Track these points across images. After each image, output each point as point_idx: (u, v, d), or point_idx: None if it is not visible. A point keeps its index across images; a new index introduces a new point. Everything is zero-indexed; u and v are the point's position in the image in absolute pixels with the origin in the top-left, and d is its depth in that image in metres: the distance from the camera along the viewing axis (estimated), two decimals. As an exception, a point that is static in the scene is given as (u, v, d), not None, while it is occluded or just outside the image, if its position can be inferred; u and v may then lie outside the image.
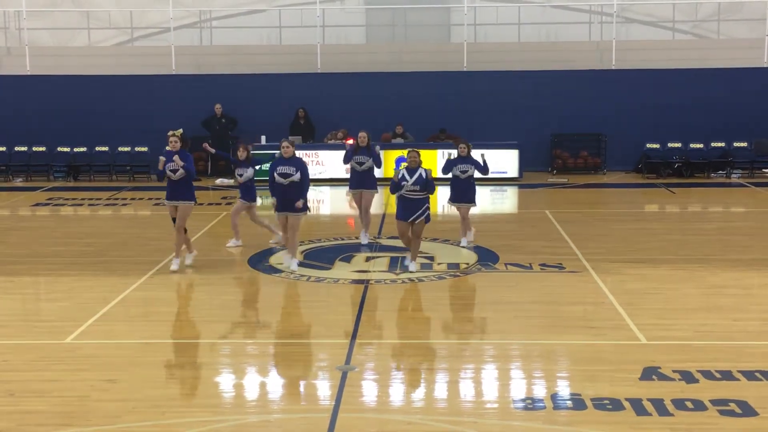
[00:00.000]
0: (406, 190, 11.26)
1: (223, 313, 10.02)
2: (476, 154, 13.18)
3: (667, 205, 17.78)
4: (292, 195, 11.29)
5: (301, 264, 11.81)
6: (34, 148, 21.52)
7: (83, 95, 21.58)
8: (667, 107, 21.22)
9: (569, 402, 7.13)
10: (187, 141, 11.71)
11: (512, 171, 20.36)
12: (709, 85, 21.20)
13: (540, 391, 7.41)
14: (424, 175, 11.23)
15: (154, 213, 16.63)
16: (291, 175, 11.24)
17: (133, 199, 18.33)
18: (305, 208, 11.44)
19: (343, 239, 13.70)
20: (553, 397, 7.24)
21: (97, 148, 21.50)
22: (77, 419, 6.84)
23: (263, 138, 20.15)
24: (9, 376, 7.84)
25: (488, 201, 18.07)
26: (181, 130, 11.65)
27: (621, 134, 21.23)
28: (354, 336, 8.91)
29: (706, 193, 19.15)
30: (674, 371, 7.72)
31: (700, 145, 21.18)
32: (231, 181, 18.44)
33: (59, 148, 21.53)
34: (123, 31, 24.33)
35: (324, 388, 7.58)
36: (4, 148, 21.50)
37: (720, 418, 6.78)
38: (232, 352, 8.65)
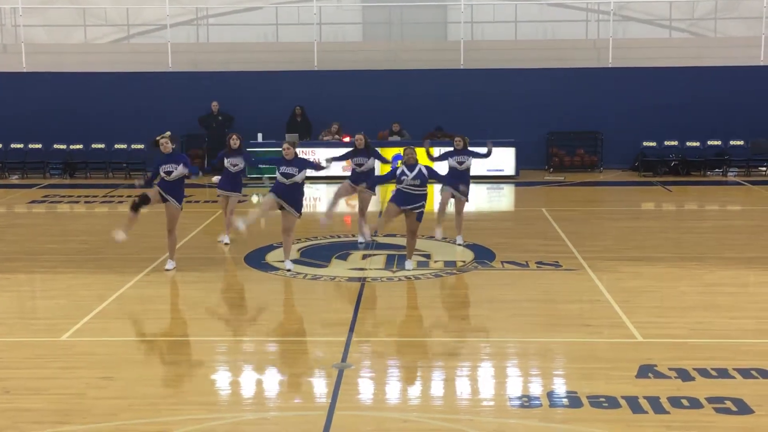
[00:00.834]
0: (407, 184, 11.25)
1: (219, 311, 10.02)
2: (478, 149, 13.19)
3: (663, 204, 17.80)
4: (292, 194, 11.30)
5: (297, 262, 11.81)
6: (30, 146, 21.49)
7: (79, 93, 21.56)
8: (664, 105, 21.24)
9: (565, 400, 7.13)
10: (177, 139, 11.63)
11: (509, 169, 20.37)
12: (705, 84, 21.22)
13: (536, 388, 7.41)
14: (424, 171, 11.24)
15: (150, 210, 16.51)
16: (293, 175, 11.26)
17: (129, 196, 18.27)
18: (300, 209, 11.39)
19: (339, 237, 13.70)
20: (550, 394, 7.24)
21: (94, 146, 21.50)
22: (73, 417, 6.83)
23: (260, 136, 20.14)
24: (4, 373, 7.82)
25: (485, 199, 18.07)
26: (169, 133, 11.55)
27: (618, 132, 21.25)
28: (350, 334, 8.91)
29: (703, 191, 19.18)
30: (670, 369, 7.72)
31: (697, 144, 21.21)
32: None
33: (55, 146, 21.52)
34: (119, 28, 24.27)
35: (320, 386, 7.57)
36: (0, 146, 21.47)
37: (716, 416, 6.78)
38: (229, 350, 8.64)
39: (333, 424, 6.68)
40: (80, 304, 9.94)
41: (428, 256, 12.29)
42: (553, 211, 15.93)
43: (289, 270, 11.43)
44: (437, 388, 7.54)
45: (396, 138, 20.45)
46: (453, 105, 21.26)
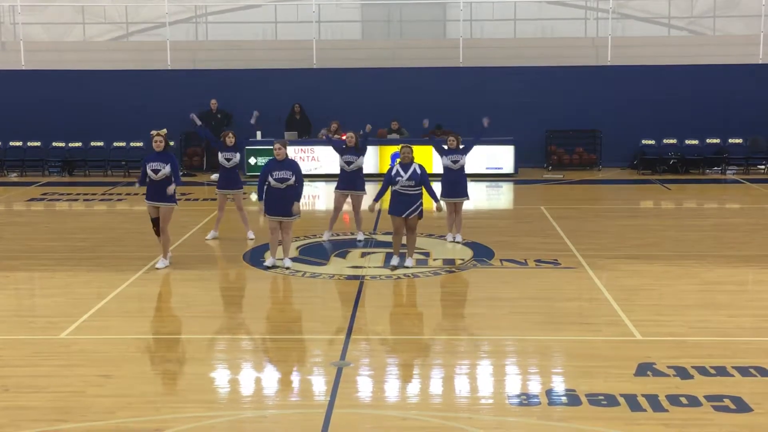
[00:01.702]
0: (401, 186, 11.29)
1: (218, 309, 10.02)
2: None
3: (662, 202, 17.80)
4: (287, 198, 11.30)
5: (296, 260, 11.82)
6: (29, 143, 21.50)
7: (78, 90, 21.55)
8: (663, 103, 21.25)
9: (564, 398, 7.13)
10: (168, 142, 11.65)
11: (507, 167, 20.38)
12: (704, 82, 21.24)
13: (535, 386, 7.41)
14: (418, 170, 11.28)
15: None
16: (288, 179, 11.26)
17: (128, 194, 18.28)
18: (298, 213, 11.42)
19: (338, 235, 13.70)
20: (548, 392, 7.25)
21: (92, 144, 21.50)
22: (72, 415, 6.83)
23: (258, 134, 20.12)
24: (3, 371, 7.82)
25: (483, 197, 18.07)
26: (165, 130, 11.55)
27: (616, 130, 21.26)
28: (349, 332, 8.91)
29: (702, 189, 19.19)
30: (669, 367, 7.73)
31: (696, 142, 21.22)
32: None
33: (54, 143, 21.53)
34: (118, 26, 24.26)
35: (319, 384, 7.57)
36: (-1, 143, 21.51)
37: (714, 414, 6.79)
38: (227, 348, 8.65)
39: (332, 422, 6.68)
40: (79, 302, 9.94)
41: (427, 254, 12.29)
42: (552, 209, 15.93)
43: (287, 267, 11.43)
44: (436, 386, 7.54)
45: (395, 136, 20.44)
46: (452, 103, 21.24)
